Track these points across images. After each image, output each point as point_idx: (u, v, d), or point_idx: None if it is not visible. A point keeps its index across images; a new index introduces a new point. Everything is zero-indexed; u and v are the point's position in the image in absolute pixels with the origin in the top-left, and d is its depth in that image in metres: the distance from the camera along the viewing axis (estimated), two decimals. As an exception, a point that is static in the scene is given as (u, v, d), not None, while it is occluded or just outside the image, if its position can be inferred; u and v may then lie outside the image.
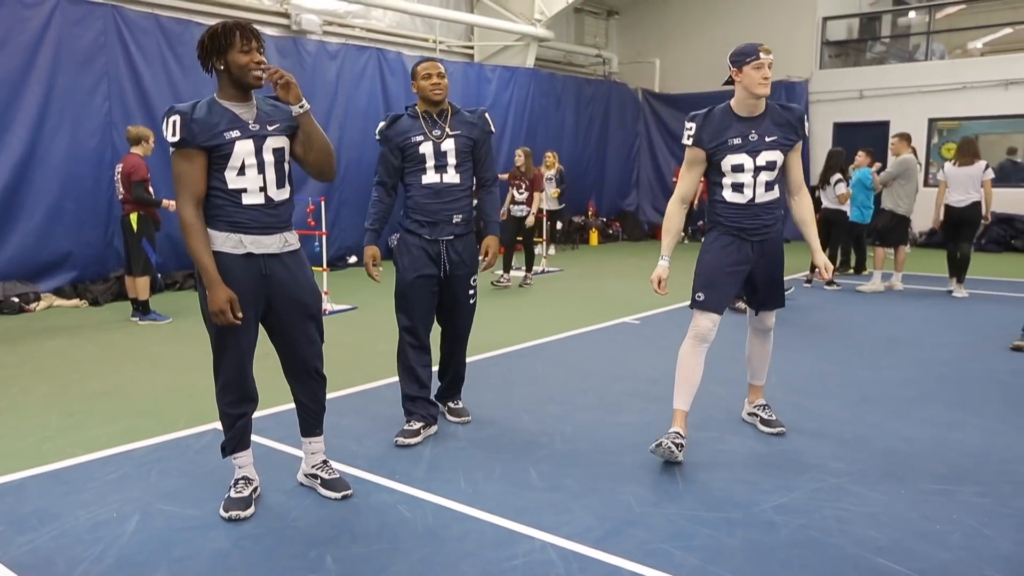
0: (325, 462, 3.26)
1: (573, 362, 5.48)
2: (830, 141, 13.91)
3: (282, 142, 2.93)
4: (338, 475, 3.24)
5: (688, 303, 3.70)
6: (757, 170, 3.51)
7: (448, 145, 3.72)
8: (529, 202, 8.98)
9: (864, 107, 14.17)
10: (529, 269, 9.35)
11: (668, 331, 6.35)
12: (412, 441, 3.76)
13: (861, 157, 9.18)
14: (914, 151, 9.41)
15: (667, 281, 3.64)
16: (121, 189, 6.71)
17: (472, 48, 13.76)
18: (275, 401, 4.23)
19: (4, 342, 6.17)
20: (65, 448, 3.75)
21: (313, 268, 7.67)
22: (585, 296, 8.52)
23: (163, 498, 3.16)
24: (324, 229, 7.35)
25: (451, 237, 3.77)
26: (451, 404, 4.16)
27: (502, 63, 13.33)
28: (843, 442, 3.84)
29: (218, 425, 3.95)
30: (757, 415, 4.03)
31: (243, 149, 2.81)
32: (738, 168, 3.52)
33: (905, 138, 8.74)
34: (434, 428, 3.93)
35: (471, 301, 3.95)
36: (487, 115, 3.91)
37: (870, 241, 8.95)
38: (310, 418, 3.21)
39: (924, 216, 13.04)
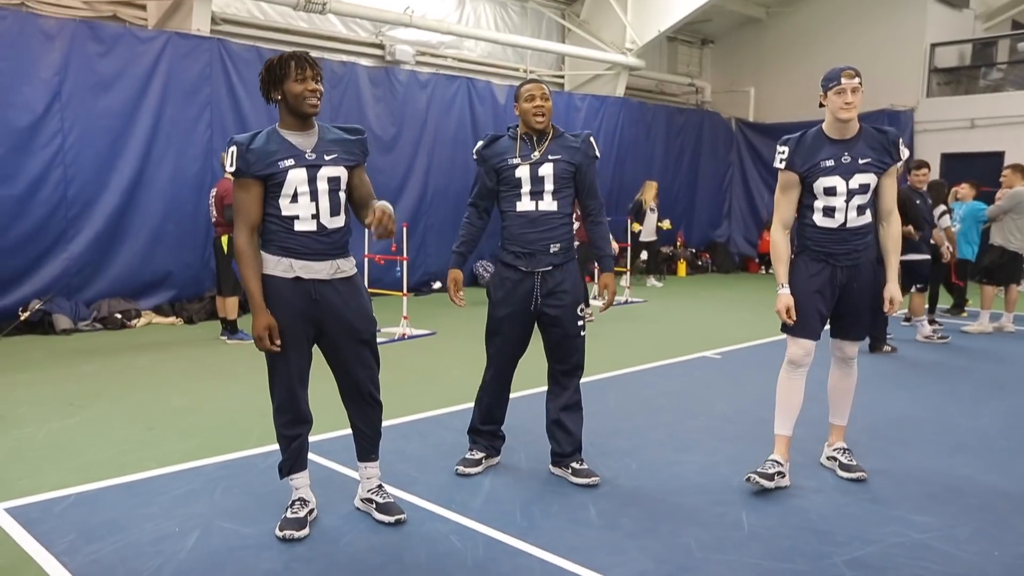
0: (380, 486, 3.26)
1: (646, 396, 5.33)
2: (938, 172, 13.21)
3: (338, 171, 2.96)
4: (392, 499, 3.24)
5: (778, 334, 3.62)
6: (850, 193, 3.44)
7: (546, 170, 3.52)
8: None
9: (976, 137, 13.41)
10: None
11: (749, 367, 6.11)
12: (472, 471, 3.70)
13: (965, 189, 8.67)
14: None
15: (794, 308, 3.52)
16: (214, 212, 7.02)
17: (563, 77, 13.83)
18: (342, 424, 4.27)
19: (102, 356, 6.52)
20: (142, 461, 3.89)
21: (392, 293, 7.71)
22: (667, 328, 8.32)
23: (224, 515, 3.23)
24: (405, 255, 7.46)
25: (549, 268, 3.54)
26: (575, 465, 3.67)
27: (593, 92, 13.33)
28: (931, 494, 3.56)
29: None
30: (836, 459, 3.80)
31: (296, 177, 2.87)
32: (831, 191, 3.44)
33: (1018, 170, 8.20)
34: (496, 459, 3.85)
35: (581, 333, 3.63)
36: (592, 139, 3.65)
37: (976, 279, 8.39)
38: (365, 443, 3.22)
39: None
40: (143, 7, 9.04)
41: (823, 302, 3.55)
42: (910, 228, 6.98)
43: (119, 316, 7.82)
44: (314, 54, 9.86)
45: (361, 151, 3.08)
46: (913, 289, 7.36)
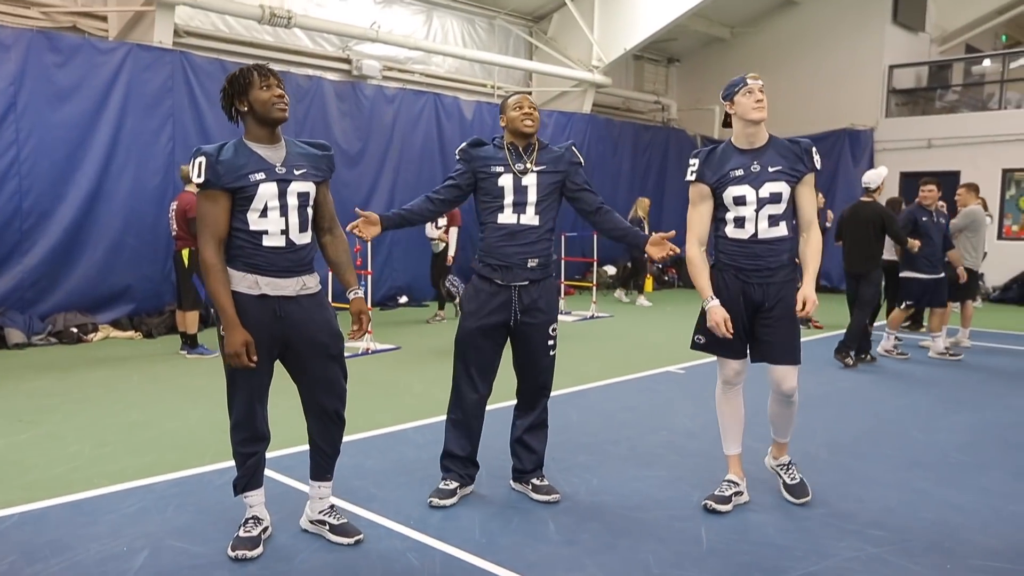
0: (332, 507, 3.19)
1: (610, 410, 5.33)
2: (897, 191, 13.49)
3: (307, 187, 2.93)
4: (346, 520, 3.17)
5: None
6: (760, 202, 3.34)
7: (530, 180, 3.44)
8: (447, 233, 9.12)
9: (933, 156, 13.73)
10: (442, 308, 9.49)
11: (712, 382, 6.07)
12: (448, 502, 3.49)
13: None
14: (983, 202, 9.03)
15: (730, 320, 3.38)
16: (175, 225, 6.91)
17: (530, 94, 13.89)
18: (300, 440, 4.20)
19: (56, 370, 6.36)
20: (92, 478, 3.79)
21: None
22: (632, 343, 8.34)
23: (175, 534, 3.14)
24: (370, 269, 7.40)
25: (525, 283, 3.46)
26: (535, 481, 3.66)
27: (560, 108, 13.42)
28: (887, 509, 3.59)
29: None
30: (780, 477, 3.75)
31: (267, 191, 2.82)
32: (740, 200, 3.37)
33: (972, 188, 8.40)
34: (470, 488, 3.65)
35: (551, 353, 3.57)
36: (574, 147, 3.62)
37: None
38: (323, 462, 3.15)
39: (996, 270, 12.53)
40: (104, 19, 8.92)
41: (740, 319, 3.43)
42: (916, 243, 7.16)
43: (75, 330, 7.64)
44: (280, 68, 9.88)
45: (328, 167, 3.05)
46: (902, 306, 7.43)
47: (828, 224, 10.29)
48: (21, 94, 7.42)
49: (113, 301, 8.18)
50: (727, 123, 3.50)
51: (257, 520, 3.06)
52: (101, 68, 7.95)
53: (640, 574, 2.89)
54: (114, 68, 8.02)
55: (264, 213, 2.82)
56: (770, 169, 3.35)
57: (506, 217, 3.45)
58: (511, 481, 3.75)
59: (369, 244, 7.36)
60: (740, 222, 3.39)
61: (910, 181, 13.72)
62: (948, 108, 14.87)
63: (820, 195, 9.85)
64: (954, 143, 13.50)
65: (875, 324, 8.04)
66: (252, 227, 2.83)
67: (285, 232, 2.87)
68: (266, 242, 2.84)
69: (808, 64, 14.69)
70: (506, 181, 3.44)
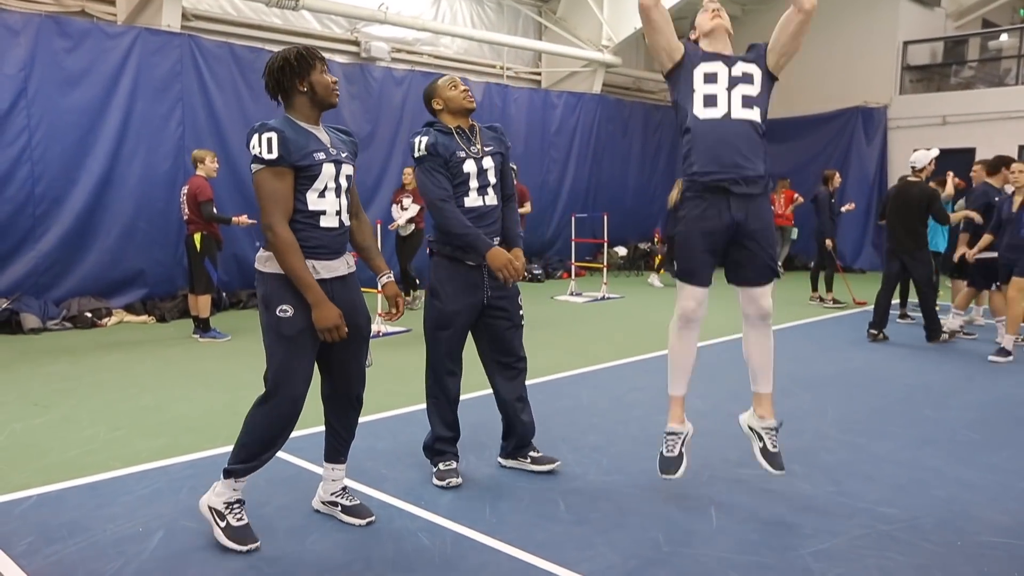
0: (344, 488, 3.21)
1: (619, 391, 5.34)
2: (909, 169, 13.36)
3: (351, 169, 2.96)
4: (359, 501, 3.20)
5: None
6: (732, 81, 3.17)
7: (488, 163, 3.51)
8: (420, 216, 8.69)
9: (948, 133, 13.56)
10: (409, 294, 8.89)
11: (723, 362, 6.12)
12: (457, 481, 3.53)
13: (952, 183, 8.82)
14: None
15: None
16: (186, 210, 6.94)
17: (540, 74, 13.82)
18: (309, 421, 4.23)
19: (70, 355, 6.42)
20: (107, 461, 3.84)
21: (369, 290, 7.70)
22: (641, 323, 8.33)
23: (189, 515, 3.18)
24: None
25: None
26: (533, 454, 3.77)
27: (570, 89, 13.33)
28: (898, 486, 3.59)
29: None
30: (761, 440, 3.36)
31: (328, 171, 2.83)
32: (711, 77, 3.18)
33: (988, 165, 8.29)
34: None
35: (522, 323, 3.70)
36: (503, 130, 3.73)
37: (949, 274, 8.48)
38: (339, 444, 3.16)
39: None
40: (112, 3, 8.90)
41: (718, 243, 3.22)
42: (974, 215, 7.20)
43: (89, 315, 7.71)
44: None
45: (354, 154, 3.08)
46: (992, 287, 7.17)
47: (844, 209, 10.21)
48: (32, 80, 7.45)
49: (126, 286, 8.24)
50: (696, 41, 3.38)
51: (242, 503, 2.97)
52: (110, 53, 7.97)
53: (650, 552, 2.91)
54: (123, 52, 8.03)
55: (323, 193, 2.84)
56: (742, 58, 3.26)
57: (472, 200, 3.50)
58: (500, 459, 3.81)
59: (378, 227, 7.37)
60: (711, 100, 3.17)
61: (924, 158, 13.58)
62: (964, 84, 14.67)
63: (835, 179, 9.77)
64: (970, 120, 13.32)
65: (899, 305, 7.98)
66: (311, 207, 2.82)
67: (339, 213, 2.89)
68: (323, 222, 2.85)
69: (821, 41, 14.48)
70: (470, 166, 3.48)
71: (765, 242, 3.26)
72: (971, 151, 12.81)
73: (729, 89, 3.19)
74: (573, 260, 11.11)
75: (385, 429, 4.41)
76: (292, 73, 2.82)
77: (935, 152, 7.39)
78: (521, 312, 3.68)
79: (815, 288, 9.83)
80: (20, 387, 5.33)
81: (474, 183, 3.49)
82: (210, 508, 2.95)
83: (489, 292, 3.55)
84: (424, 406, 3.71)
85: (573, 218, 11.22)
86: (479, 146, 3.53)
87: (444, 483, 3.52)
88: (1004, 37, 15.01)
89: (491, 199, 3.53)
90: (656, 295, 10.80)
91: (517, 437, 3.73)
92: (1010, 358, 6.36)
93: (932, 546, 2.98)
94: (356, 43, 11.01)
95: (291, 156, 2.75)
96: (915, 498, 3.45)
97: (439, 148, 3.45)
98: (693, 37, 3.39)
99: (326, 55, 10.22)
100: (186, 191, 6.96)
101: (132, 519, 3.15)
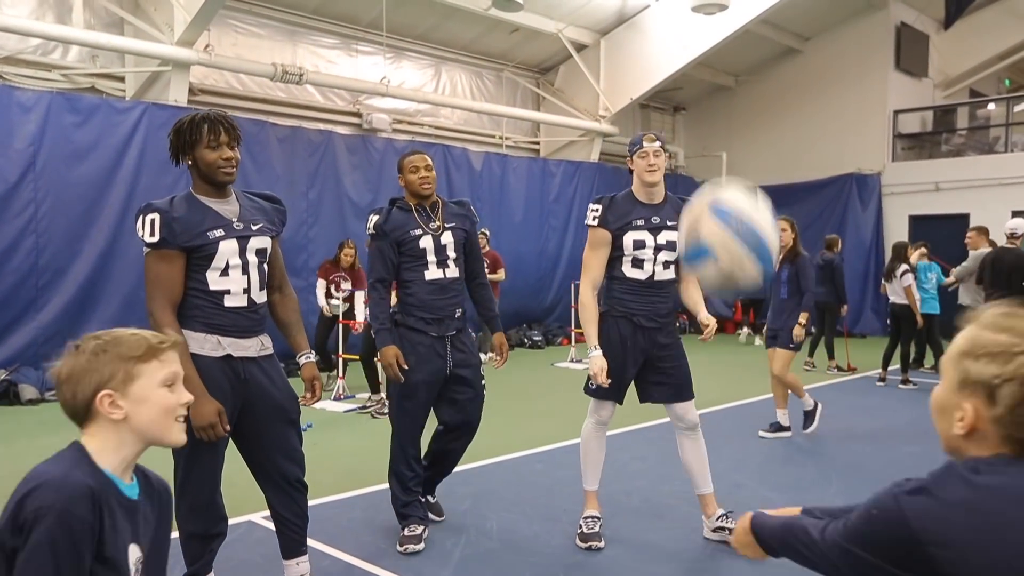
0: None
1: (621, 461, 5.27)
2: (906, 234, 13.51)
3: (265, 242, 2.76)
4: None
5: (752, 396, 3.54)
6: (657, 248, 3.52)
7: (447, 238, 3.64)
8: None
9: (941, 200, 13.76)
10: (376, 391, 7.08)
11: (724, 430, 6.08)
12: (420, 547, 3.54)
13: (917, 254, 8.92)
14: (992, 244, 9.00)
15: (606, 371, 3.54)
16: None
17: (538, 143, 14.10)
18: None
19: (68, 427, 6.28)
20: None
21: (350, 358, 7.51)
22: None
23: (183, 593, 3.11)
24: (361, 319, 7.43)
25: (455, 332, 3.68)
26: (430, 498, 3.97)
27: (567, 157, 13.58)
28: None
29: (254, 516, 3.94)
30: (724, 527, 3.62)
31: (227, 249, 2.63)
32: (640, 245, 3.52)
33: (983, 231, 8.41)
34: (427, 532, 3.70)
35: (483, 391, 3.82)
36: (470, 205, 3.91)
37: (946, 338, 8.48)
38: (294, 534, 2.90)
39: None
40: (122, 79, 9.17)
41: (630, 366, 3.61)
42: None
43: (88, 385, 7.67)
44: (292, 123, 10.07)
45: (281, 221, 2.89)
46: None
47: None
48: (40, 153, 7.61)
49: (126, 355, 8.22)
50: (631, 171, 3.64)
51: None
52: (118, 127, 8.15)
53: (654, 631, 2.84)
54: (131, 126, 8.22)
55: (225, 272, 2.64)
56: (669, 222, 3.50)
57: (432, 273, 3.63)
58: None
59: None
60: (639, 263, 3.55)
61: (919, 224, 13.76)
62: (955, 151, 14.95)
63: (838, 244, 9.78)
64: (962, 186, 13.53)
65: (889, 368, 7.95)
66: (212, 287, 2.63)
67: (248, 291, 2.70)
68: (228, 302, 2.65)
69: (813, 110, 14.85)
70: (427, 242, 3.62)
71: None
72: (965, 216, 12.98)
73: (655, 255, 3.57)
74: (573, 327, 11.13)
75: (384, 500, 4.32)
76: (181, 145, 2.63)
77: None
78: (483, 381, 3.80)
79: (811, 354, 9.80)
80: (17, 461, 5.24)
81: (432, 257, 3.62)
82: None
83: (451, 363, 3.65)
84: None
85: (572, 285, 11.28)
86: (439, 223, 3.64)
87: (402, 549, 3.51)
88: (992, 106, 15.38)
89: (452, 271, 3.67)
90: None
91: (433, 477, 3.93)
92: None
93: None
94: (358, 115, 11.28)
95: (176, 239, 2.56)
96: None
97: (387, 228, 3.60)
98: (629, 164, 3.65)
99: (329, 127, 10.66)
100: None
101: (125, 598, 3.07)
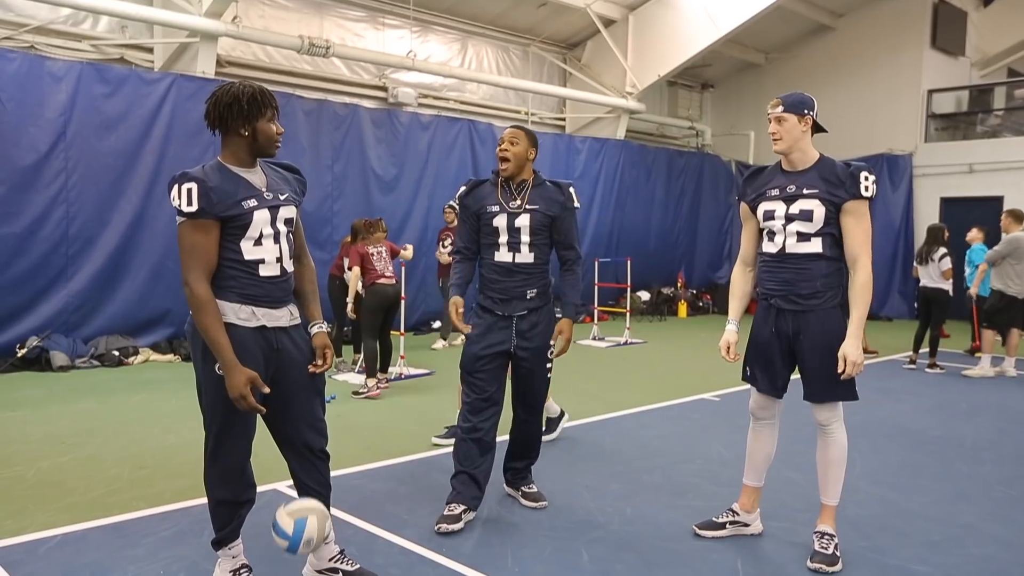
0: (342, 552, 2.98)
1: (643, 439, 5.28)
2: (936, 216, 13.29)
3: (292, 212, 2.79)
4: (359, 565, 2.97)
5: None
6: (789, 218, 3.23)
7: (523, 221, 3.53)
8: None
9: (974, 181, 13.49)
10: (385, 369, 6.88)
11: (748, 410, 6.05)
12: (455, 527, 3.47)
13: (974, 233, 8.78)
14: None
15: (735, 346, 3.42)
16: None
17: (564, 120, 13.99)
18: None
19: (97, 393, 6.49)
20: (130, 501, 3.85)
21: (392, 333, 7.54)
22: (666, 370, 8.28)
23: (210, 558, 3.15)
24: (404, 294, 7.46)
25: (524, 312, 3.60)
26: (524, 488, 3.89)
27: (593, 134, 13.47)
28: (931, 543, 3.50)
29: (279, 485, 3.99)
30: (814, 547, 3.26)
31: (261, 219, 2.65)
32: (769, 215, 3.29)
33: (1016, 215, 8.22)
34: (473, 514, 3.62)
35: (548, 375, 3.76)
36: (572, 190, 3.65)
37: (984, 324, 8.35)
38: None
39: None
40: (150, 50, 9.20)
41: (775, 353, 3.32)
42: None
43: (116, 353, 7.80)
44: (318, 96, 10.06)
45: (302, 191, 2.90)
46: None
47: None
48: (71, 124, 7.67)
49: (153, 325, 8.35)
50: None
51: (249, 568, 2.91)
52: (147, 98, 8.19)
53: (675, 607, 2.85)
54: (159, 98, 8.25)
55: (259, 241, 2.66)
56: (805, 191, 3.22)
57: (502, 255, 3.58)
58: (505, 485, 3.96)
59: (403, 269, 7.42)
60: (772, 235, 3.31)
61: (950, 206, 13.52)
62: (990, 132, 14.62)
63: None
64: (997, 168, 13.25)
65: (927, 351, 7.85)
66: (248, 256, 2.64)
67: (279, 260, 2.72)
68: (263, 271, 2.67)
69: (844, 89, 14.57)
70: (501, 222, 3.56)
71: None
72: (999, 199, 12.73)
73: (785, 225, 3.28)
74: (596, 304, 11.10)
75: (407, 473, 4.39)
76: (239, 114, 2.63)
77: None
78: (549, 365, 3.74)
79: None
80: (48, 425, 5.38)
81: (503, 238, 3.56)
82: None
83: (515, 341, 3.63)
84: (447, 450, 3.70)
85: (596, 262, 11.25)
86: (520, 202, 3.56)
87: (437, 528, 3.48)
88: (1030, 86, 14.99)
89: (524, 256, 3.58)
90: (678, 340, 10.72)
91: (513, 470, 3.92)
92: None
93: (968, 606, 2.89)
94: (384, 89, 11.24)
95: (214, 208, 2.56)
96: (950, 556, 3.36)
97: (467, 202, 3.62)
98: None
99: (355, 100, 10.64)
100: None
101: (155, 560, 3.15)
